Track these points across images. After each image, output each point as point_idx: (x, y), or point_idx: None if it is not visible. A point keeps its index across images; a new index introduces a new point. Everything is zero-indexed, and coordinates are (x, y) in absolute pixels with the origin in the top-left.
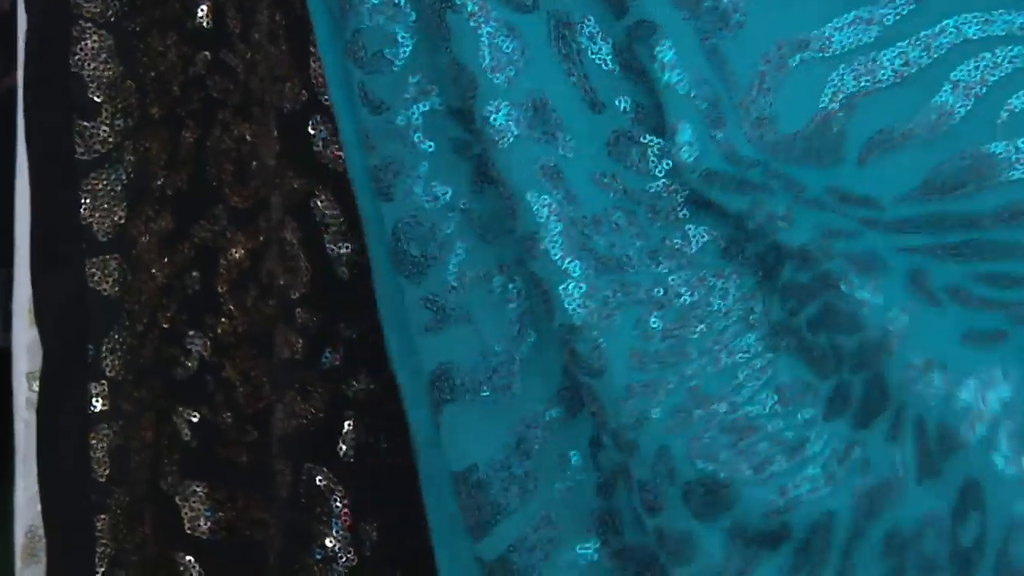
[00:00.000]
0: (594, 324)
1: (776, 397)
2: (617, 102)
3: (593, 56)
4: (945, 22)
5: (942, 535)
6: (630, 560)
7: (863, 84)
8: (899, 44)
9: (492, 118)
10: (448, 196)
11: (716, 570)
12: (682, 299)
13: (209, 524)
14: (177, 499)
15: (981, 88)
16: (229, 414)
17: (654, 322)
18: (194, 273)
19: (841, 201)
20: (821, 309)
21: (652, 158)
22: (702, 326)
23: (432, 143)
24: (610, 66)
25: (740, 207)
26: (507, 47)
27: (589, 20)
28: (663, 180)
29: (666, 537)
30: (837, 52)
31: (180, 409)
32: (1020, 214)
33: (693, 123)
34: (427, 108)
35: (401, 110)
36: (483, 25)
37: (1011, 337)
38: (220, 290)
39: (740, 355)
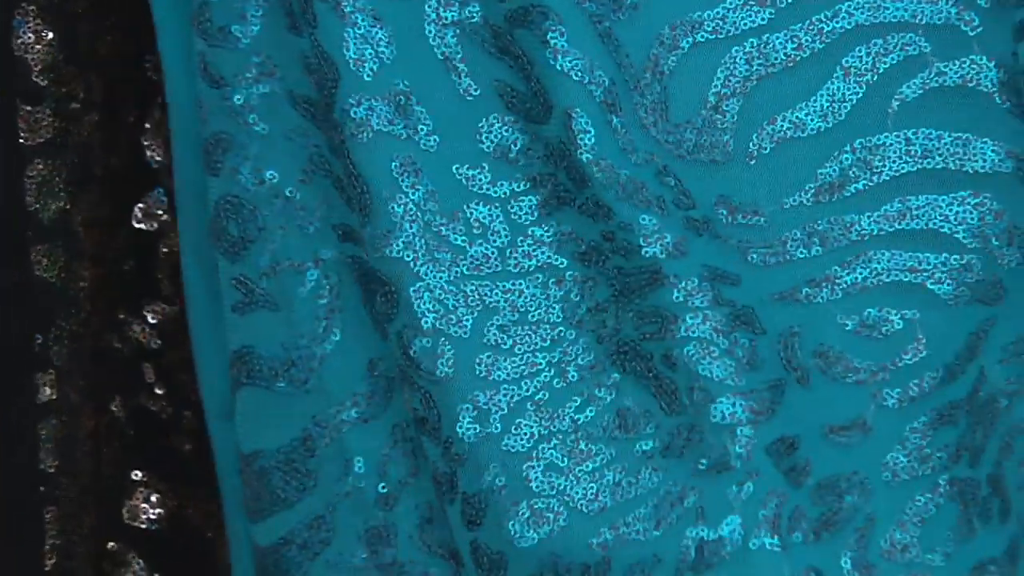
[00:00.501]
0: (442, 329)
1: (617, 421)
2: (493, 92)
3: (471, 44)
4: (839, 6)
5: None
6: (398, 574)
7: (755, 68)
8: (792, 27)
9: (352, 111)
10: (275, 181)
11: None
12: (535, 305)
13: (151, 515)
14: (118, 489)
15: (872, 76)
16: (169, 402)
17: (503, 330)
18: (133, 259)
19: (728, 216)
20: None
21: (523, 151)
22: (553, 335)
23: (266, 126)
24: (490, 53)
25: (625, 215)
26: (374, 37)
27: (470, 5)
28: (535, 173)
29: (480, 553)
30: (731, 34)
31: (120, 397)
32: (902, 216)
33: (588, 110)
34: (267, 90)
35: (240, 89)
36: (350, 14)
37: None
38: (159, 276)
39: (587, 371)
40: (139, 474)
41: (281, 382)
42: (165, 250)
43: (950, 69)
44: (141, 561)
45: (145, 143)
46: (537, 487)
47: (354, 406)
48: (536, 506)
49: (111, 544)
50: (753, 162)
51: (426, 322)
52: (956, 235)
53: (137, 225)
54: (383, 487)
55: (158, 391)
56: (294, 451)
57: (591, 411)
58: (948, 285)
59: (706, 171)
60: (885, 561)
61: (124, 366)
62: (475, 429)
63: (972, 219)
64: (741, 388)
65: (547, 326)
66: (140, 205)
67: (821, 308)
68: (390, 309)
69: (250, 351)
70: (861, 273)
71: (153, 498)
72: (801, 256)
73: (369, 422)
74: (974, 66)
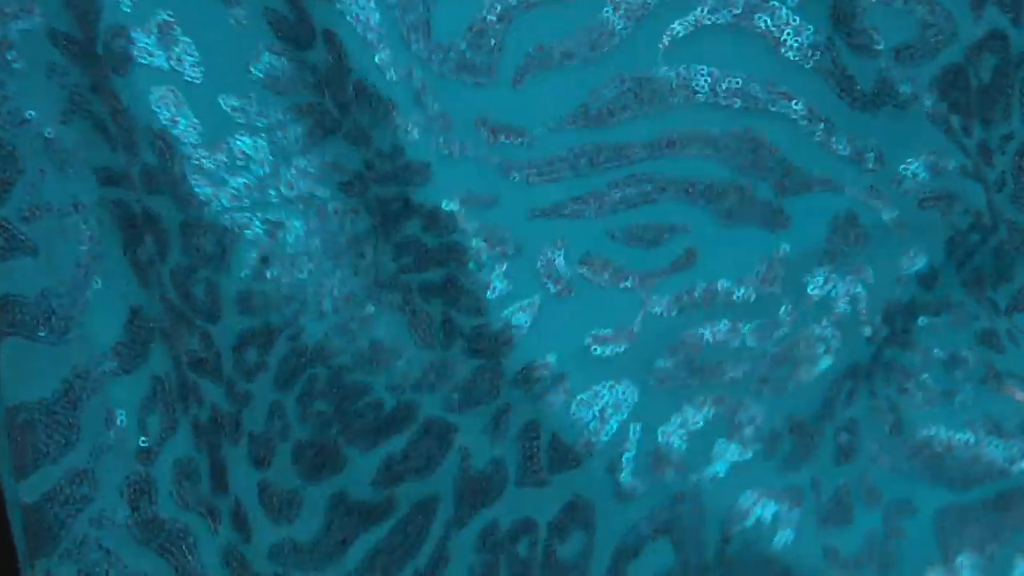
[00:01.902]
0: (208, 265)
1: (370, 354)
2: (262, 19)
3: None
4: None
5: (535, 545)
6: (159, 531)
7: None
8: None
9: (113, 43)
10: (34, 121)
11: (315, 535)
12: (295, 236)
13: None
14: None
15: (643, 12)
16: None
17: (266, 262)
18: None
19: (491, 136)
20: (442, 280)
21: (291, 79)
22: (311, 266)
23: (25, 63)
24: None
25: (383, 139)
26: None
27: None
28: (302, 101)
29: (271, 493)
30: None
31: None
32: (675, 144)
33: (346, 31)
34: (26, 27)
35: None
36: None
37: (636, 346)
38: None
39: (343, 302)
40: None
41: (42, 331)
42: None
43: (720, 12)
44: None
45: None
46: (312, 427)
47: (116, 356)
48: (318, 447)
49: None
50: (520, 86)
51: (195, 258)
52: (728, 164)
53: None
54: (143, 441)
55: None
56: (56, 403)
57: (346, 342)
58: (727, 203)
59: (468, 91)
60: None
61: None
62: (249, 367)
63: (744, 152)
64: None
65: (305, 258)
66: None
67: (588, 223)
68: (163, 248)
69: (12, 298)
70: (632, 192)
71: None
72: (567, 176)
73: (131, 373)
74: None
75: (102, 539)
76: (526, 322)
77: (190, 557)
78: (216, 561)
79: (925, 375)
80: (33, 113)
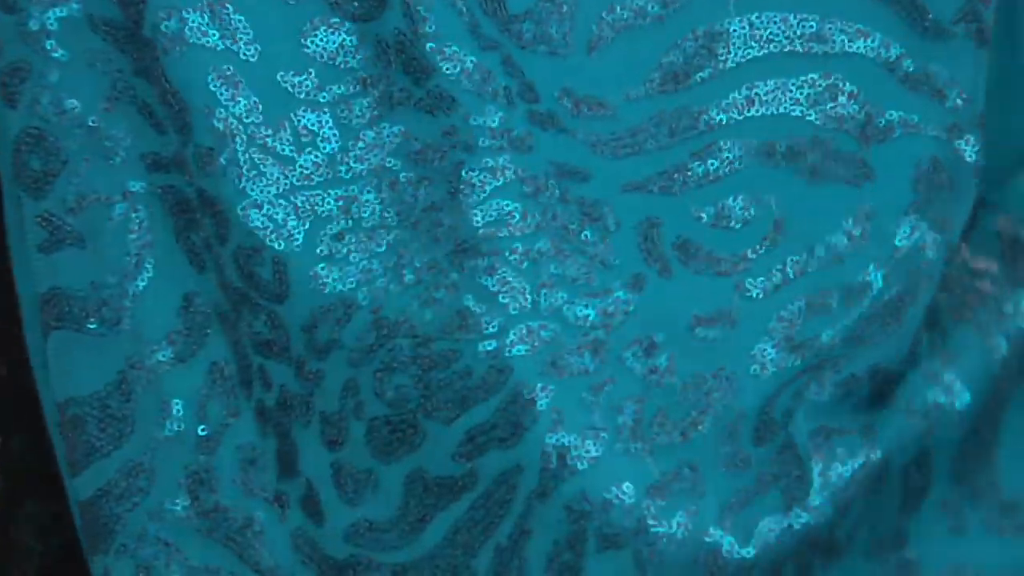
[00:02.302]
0: (276, 246)
1: (459, 321)
2: None
3: None
4: None
5: (630, 512)
6: (222, 521)
7: None
8: None
9: (163, 25)
10: (77, 110)
11: (392, 515)
12: (370, 209)
13: None
14: None
15: None
16: None
17: (340, 238)
18: None
19: (574, 109)
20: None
21: (351, 52)
22: (389, 238)
23: (66, 52)
24: None
25: (471, 106)
26: None
27: None
28: (365, 74)
29: (345, 474)
30: None
31: None
32: (752, 102)
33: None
34: (64, 14)
35: (35, 13)
36: None
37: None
38: None
39: (425, 271)
40: None
41: (92, 323)
42: None
43: None
44: None
45: None
46: (390, 402)
47: (170, 345)
48: (395, 423)
49: None
50: (595, 52)
51: (256, 240)
52: (808, 118)
53: None
54: (203, 430)
55: None
56: (109, 396)
57: (429, 313)
58: (810, 160)
59: (548, 63)
60: (759, 449)
61: None
62: (321, 346)
63: (824, 101)
64: (594, 289)
65: (383, 231)
66: None
67: (675, 200)
68: (223, 230)
69: (59, 292)
70: (712, 164)
71: None
72: (651, 147)
73: (186, 361)
74: None
75: (161, 532)
76: (629, 298)
77: (257, 545)
78: (285, 548)
79: None
80: (75, 102)
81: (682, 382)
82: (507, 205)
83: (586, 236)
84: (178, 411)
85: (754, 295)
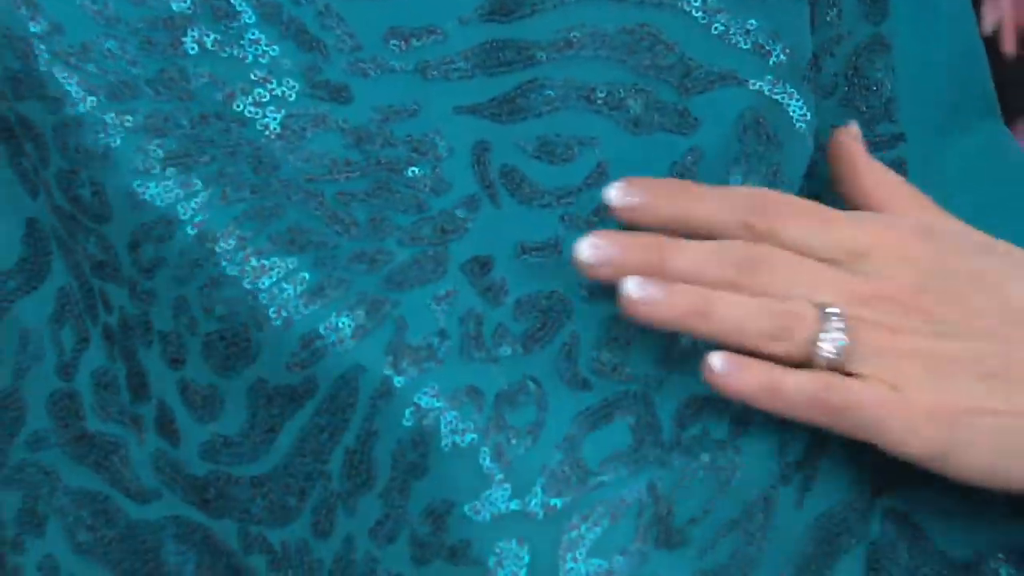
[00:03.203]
0: (87, 163)
1: (289, 236)
2: None
3: None
4: None
5: (481, 410)
6: (91, 447)
7: None
8: None
9: None
10: None
11: (241, 428)
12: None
13: None
14: None
15: None
16: None
17: (158, 146)
18: None
19: (403, 44)
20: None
21: None
22: (211, 151)
23: None
24: None
25: (291, 56)
26: None
27: None
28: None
29: (192, 392)
30: None
31: None
32: (571, 43)
33: None
34: None
35: None
36: None
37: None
38: None
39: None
40: None
41: None
42: None
43: None
44: None
45: None
46: (218, 316)
47: (20, 272)
48: (228, 337)
49: None
50: None
51: (76, 159)
52: (628, 64)
53: None
54: (59, 355)
55: None
56: None
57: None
58: (632, 110)
59: (372, 6)
60: (598, 376)
61: None
62: (147, 265)
63: (641, 51)
64: (430, 213)
65: (205, 142)
66: None
67: (503, 128)
68: (43, 153)
69: None
70: (535, 99)
71: None
72: (480, 74)
73: (38, 288)
74: None
75: (41, 461)
76: (467, 216)
77: (123, 470)
78: (148, 470)
79: None
80: None
81: (515, 299)
82: (329, 154)
83: (413, 172)
84: (36, 338)
85: (579, 228)
